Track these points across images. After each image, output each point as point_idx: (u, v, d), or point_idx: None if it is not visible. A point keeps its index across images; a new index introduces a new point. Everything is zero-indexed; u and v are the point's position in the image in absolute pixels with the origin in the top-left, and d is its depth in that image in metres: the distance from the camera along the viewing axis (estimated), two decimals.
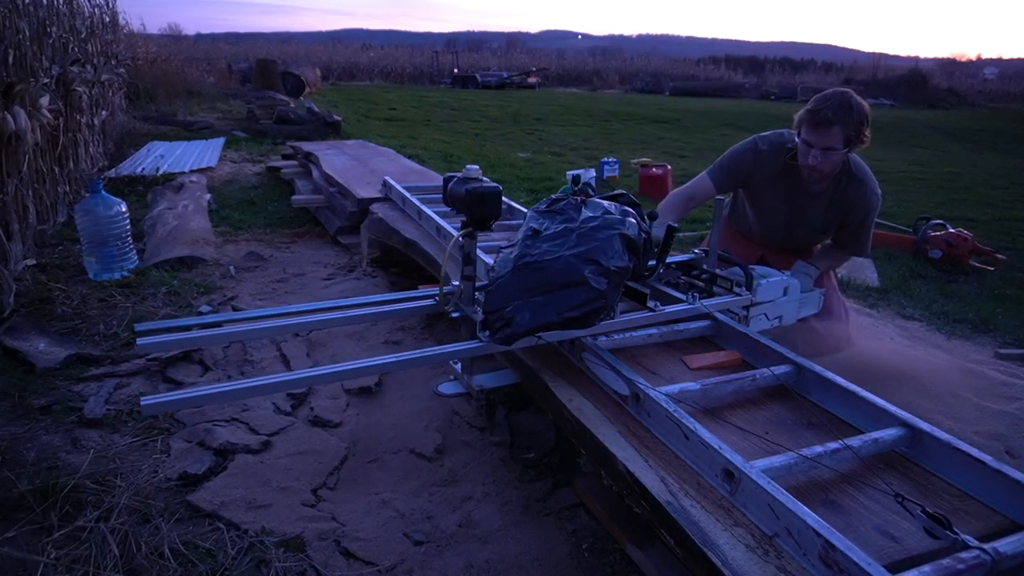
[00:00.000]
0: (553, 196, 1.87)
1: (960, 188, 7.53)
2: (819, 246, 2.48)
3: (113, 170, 5.54)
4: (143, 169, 5.60)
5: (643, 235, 1.78)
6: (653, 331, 1.85)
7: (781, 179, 2.26)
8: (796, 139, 2.14)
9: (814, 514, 1.08)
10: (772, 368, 1.63)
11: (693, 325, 1.91)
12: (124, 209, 3.32)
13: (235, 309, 2.99)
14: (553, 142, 9.83)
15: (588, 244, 1.62)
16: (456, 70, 26.98)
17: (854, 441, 1.33)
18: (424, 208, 3.07)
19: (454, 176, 1.78)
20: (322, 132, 8.45)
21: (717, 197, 2.15)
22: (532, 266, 1.60)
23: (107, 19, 7.07)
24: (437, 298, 1.88)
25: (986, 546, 1.04)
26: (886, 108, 20.71)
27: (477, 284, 1.85)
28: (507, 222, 2.93)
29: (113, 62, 7.23)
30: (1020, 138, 13.76)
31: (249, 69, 16.77)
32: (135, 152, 6.53)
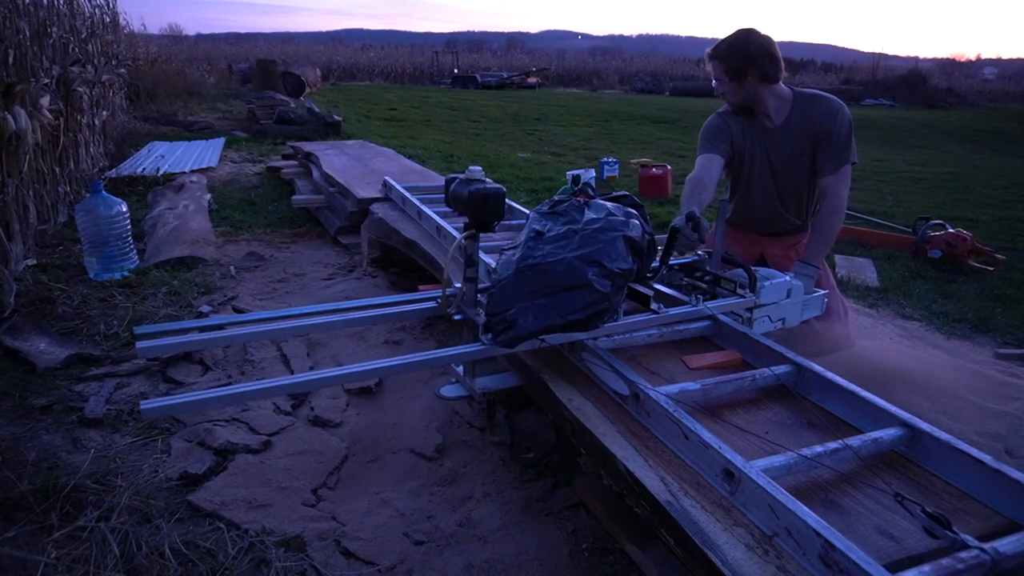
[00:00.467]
0: (556, 197, 1.86)
1: (960, 188, 7.53)
2: (810, 231, 2.45)
3: (114, 170, 5.55)
4: (143, 169, 5.61)
5: (646, 236, 1.77)
6: (653, 331, 1.85)
7: (747, 126, 2.38)
8: None
9: (814, 514, 1.08)
10: (772, 368, 1.63)
11: (693, 325, 1.91)
12: (124, 209, 3.33)
13: (235, 309, 3.00)
14: (553, 142, 9.83)
15: (592, 246, 1.61)
16: (456, 70, 27.00)
17: (854, 441, 1.32)
18: (424, 208, 3.08)
19: (456, 177, 1.76)
20: (322, 132, 8.46)
21: (720, 199, 2.15)
22: (535, 268, 1.59)
23: (107, 19, 7.09)
24: (439, 300, 1.87)
25: (986, 546, 1.04)
26: (886, 108, 20.72)
27: (479, 286, 1.85)
28: (508, 222, 2.93)
29: (114, 62, 7.23)
30: (1020, 138, 13.76)
31: (249, 69, 16.80)
32: (135, 152, 6.53)
